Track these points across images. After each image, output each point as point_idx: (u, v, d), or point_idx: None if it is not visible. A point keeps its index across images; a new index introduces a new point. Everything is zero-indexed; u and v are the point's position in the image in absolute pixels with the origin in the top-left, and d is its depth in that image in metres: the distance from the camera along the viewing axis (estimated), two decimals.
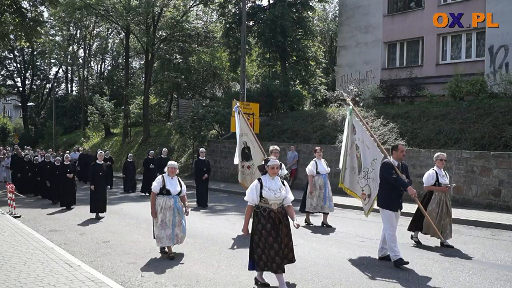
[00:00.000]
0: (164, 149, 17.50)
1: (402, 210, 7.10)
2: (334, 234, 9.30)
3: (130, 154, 19.88)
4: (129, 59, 38.33)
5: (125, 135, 34.28)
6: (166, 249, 7.56)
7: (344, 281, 6.10)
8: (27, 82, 50.34)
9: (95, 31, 45.30)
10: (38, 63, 50.55)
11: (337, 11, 31.90)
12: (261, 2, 40.69)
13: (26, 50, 45.95)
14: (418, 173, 12.79)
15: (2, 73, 50.01)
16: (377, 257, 7.26)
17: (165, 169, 7.65)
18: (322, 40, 36.44)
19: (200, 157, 13.87)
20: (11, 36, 23.77)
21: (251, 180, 9.27)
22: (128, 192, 17.63)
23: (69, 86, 53.05)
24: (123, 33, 35.15)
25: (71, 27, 44.21)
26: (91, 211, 11.67)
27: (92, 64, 50.70)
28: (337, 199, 11.71)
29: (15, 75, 49.92)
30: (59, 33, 44.48)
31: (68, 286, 5.61)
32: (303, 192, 10.47)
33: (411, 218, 8.39)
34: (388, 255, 7.09)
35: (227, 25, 25.98)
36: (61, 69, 51.39)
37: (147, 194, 15.82)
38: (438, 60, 20.51)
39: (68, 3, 28.87)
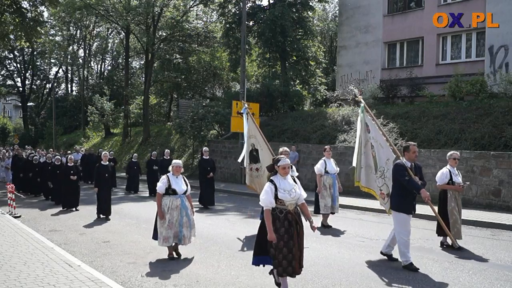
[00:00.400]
0: (166, 150, 17.29)
1: (418, 212, 6.82)
2: (334, 234, 9.29)
3: (135, 154, 20.12)
4: (129, 59, 38.36)
5: (125, 135, 34.32)
6: (167, 249, 7.50)
7: (344, 281, 6.10)
8: (27, 82, 50.44)
9: (95, 31, 45.34)
10: (38, 63, 50.60)
11: (337, 11, 31.90)
12: (261, 2, 40.67)
13: (26, 50, 45.99)
14: None
15: (2, 73, 50.05)
16: (379, 252, 7.23)
17: (170, 168, 7.52)
18: (322, 40, 36.44)
19: (204, 156, 13.71)
20: (11, 36, 23.81)
21: (259, 182, 9.20)
22: (130, 192, 17.61)
23: (69, 86, 53.23)
24: (123, 33, 35.20)
25: (71, 27, 44.21)
26: (98, 212, 11.65)
27: (92, 64, 50.79)
28: None
29: (15, 75, 50.01)
30: (59, 33, 44.49)
31: (68, 286, 5.61)
32: (315, 194, 10.20)
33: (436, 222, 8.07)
34: (390, 255, 7.07)
35: (227, 25, 25.99)
36: (61, 69, 51.55)
37: (152, 195, 15.74)
38: (438, 60, 20.52)
39: (68, 3, 28.91)
